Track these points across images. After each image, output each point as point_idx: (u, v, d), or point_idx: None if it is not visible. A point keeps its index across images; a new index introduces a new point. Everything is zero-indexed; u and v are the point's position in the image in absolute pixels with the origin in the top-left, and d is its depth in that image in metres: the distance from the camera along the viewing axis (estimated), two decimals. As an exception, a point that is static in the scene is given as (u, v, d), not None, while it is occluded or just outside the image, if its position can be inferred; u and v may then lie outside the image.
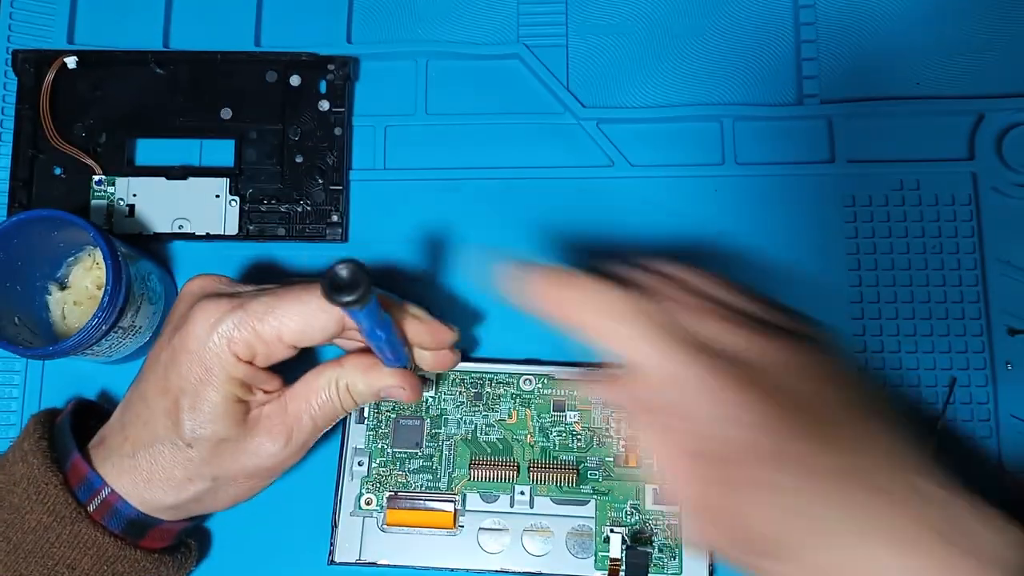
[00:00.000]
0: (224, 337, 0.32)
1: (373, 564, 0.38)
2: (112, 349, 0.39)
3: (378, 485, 0.39)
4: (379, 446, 0.39)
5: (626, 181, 0.43)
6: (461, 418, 0.39)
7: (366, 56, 0.45)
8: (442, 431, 0.39)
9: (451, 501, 0.38)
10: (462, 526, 0.38)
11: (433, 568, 0.38)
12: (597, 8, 0.45)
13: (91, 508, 0.33)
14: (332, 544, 0.38)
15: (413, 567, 0.38)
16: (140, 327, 0.39)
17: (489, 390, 0.39)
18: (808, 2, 0.45)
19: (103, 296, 0.35)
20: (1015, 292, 0.42)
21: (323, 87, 0.43)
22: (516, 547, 0.38)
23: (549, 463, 0.39)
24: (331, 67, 0.43)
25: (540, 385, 0.40)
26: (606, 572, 0.37)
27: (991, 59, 0.44)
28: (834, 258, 0.42)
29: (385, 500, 0.38)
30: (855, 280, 0.42)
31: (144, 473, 0.33)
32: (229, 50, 0.44)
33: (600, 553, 0.38)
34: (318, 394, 0.34)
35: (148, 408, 0.33)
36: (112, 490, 0.33)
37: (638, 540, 0.38)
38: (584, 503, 0.38)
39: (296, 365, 0.35)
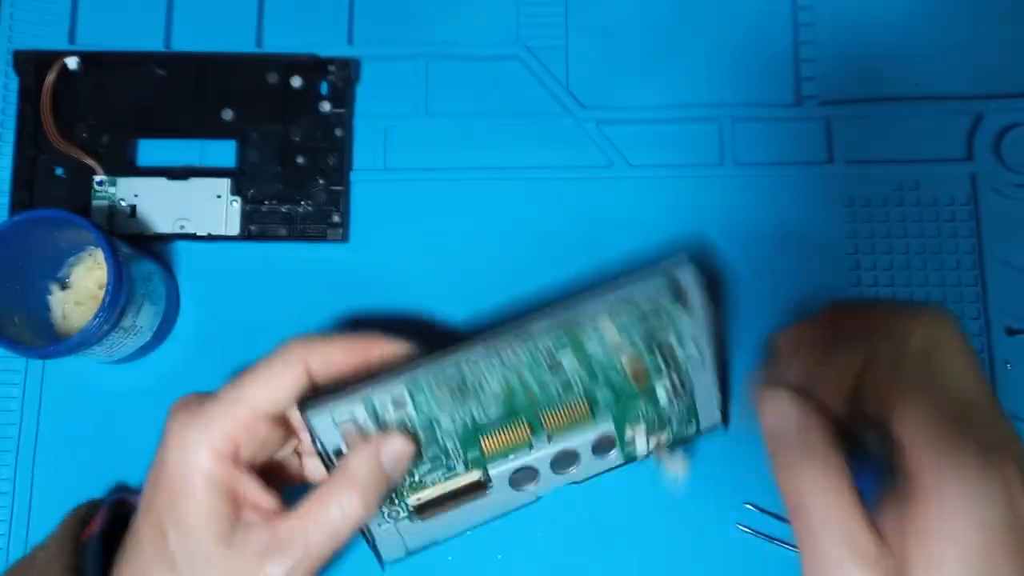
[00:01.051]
0: (200, 435, 0.30)
1: (423, 549, 0.37)
2: (113, 349, 0.39)
3: (393, 496, 0.36)
4: None
5: (626, 181, 0.43)
6: (452, 415, 0.34)
7: (367, 57, 0.45)
8: (439, 431, 0.35)
9: (475, 474, 0.36)
10: (492, 486, 0.36)
11: (479, 525, 0.37)
12: (597, 9, 0.46)
13: None
14: (376, 552, 0.36)
15: (460, 533, 0.37)
16: (141, 327, 0.39)
17: (470, 376, 0.34)
18: (807, 2, 0.45)
19: (104, 296, 0.36)
20: (1014, 292, 0.42)
21: (324, 88, 0.44)
22: (547, 477, 0.37)
23: (559, 408, 0.35)
24: (332, 68, 0.43)
25: (527, 356, 0.34)
26: (633, 458, 0.37)
27: (991, 59, 0.44)
28: (834, 259, 0.43)
29: (411, 508, 0.36)
30: (855, 280, 0.42)
31: None
32: (230, 51, 0.44)
33: (626, 448, 0.37)
34: (322, 513, 0.31)
35: (137, 536, 0.31)
36: None
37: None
38: (602, 420, 0.37)
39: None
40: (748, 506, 0.40)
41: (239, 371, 0.32)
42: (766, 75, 0.45)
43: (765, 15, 0.45)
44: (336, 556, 0.31)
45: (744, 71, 0.45)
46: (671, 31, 0.45)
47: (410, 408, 0.33)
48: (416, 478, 0.35)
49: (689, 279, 0.34)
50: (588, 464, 0.38)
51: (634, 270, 0.34)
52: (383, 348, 0.34)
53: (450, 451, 0.35)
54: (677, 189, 0.43)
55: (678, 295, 0.34)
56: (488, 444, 0.35)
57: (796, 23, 0.45)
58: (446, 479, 0.36)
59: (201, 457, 0.30)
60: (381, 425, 0.33)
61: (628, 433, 0.37)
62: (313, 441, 0.32)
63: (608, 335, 0.34)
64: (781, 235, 0.43)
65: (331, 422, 0.32)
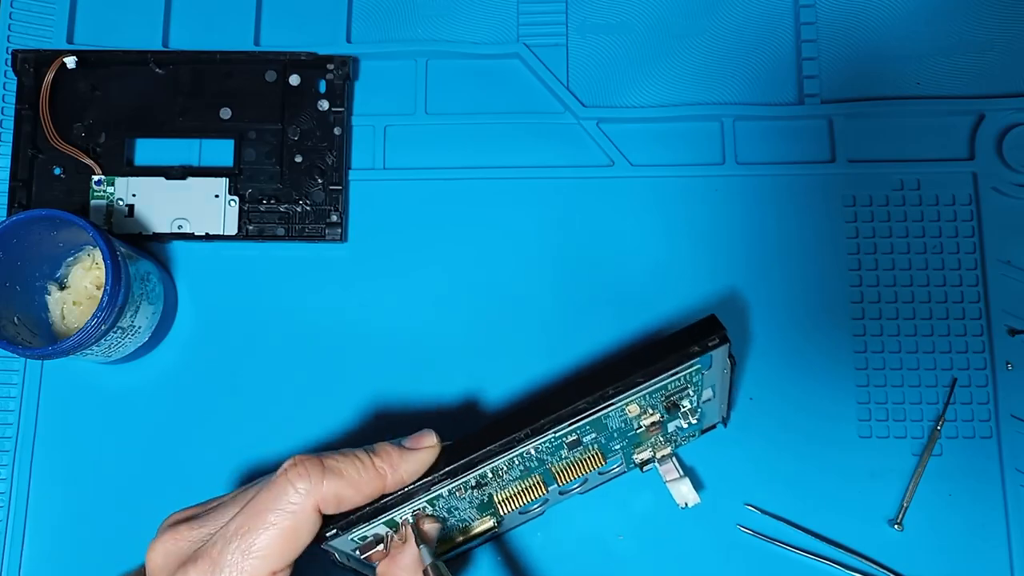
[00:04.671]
0: None
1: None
2: (111, 349, 0.38)
3: None
4: None
5: (626, 181, 0.43)
6: (471, 501, 0.34)
7: (366, 55, 0.45)
8: (457, 512, 0.35)
9: (489, 522, 0.37)
10: (501, 519, 0.37)
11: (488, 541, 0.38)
12: (597, 7, 0.45)
13: None
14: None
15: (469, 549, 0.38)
16: (139, 327, 0.39)
17: (491, 476, 0.33)
18: (808, 2, 0.45)
19: (103, 296, 0.35)
20: (1015, 292, 0.42)
21: (322, 87, 0.43)
22: (555, 499, 0.38)
23: (574, 467, 0.35)
24: (330, 67, 0.43)
25: (547, 446, 0.33)
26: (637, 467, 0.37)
27: (991, 59, 0.44)
28: (834, 258, 0.42)
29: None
30: (855, 280, 0.42)
31: None
32: (228, 50, 0.44)
33: (632, 465, 0.38)
34: None
35: None
36: None
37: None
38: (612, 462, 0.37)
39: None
40: (749, 507, 0.40)
41: (243, 491, 0.31)
42: (768, 74, 0.45)
43: (767, 13, 0.45)
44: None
45: (745, 70, 0.45)
46: (672, 29, 0.45)
47: (428, 510, 0.33)
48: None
49: (722, 356, 0.33)
50: (594, 480, 0.38)
51: (665, 336, 0.33)
52: (398, 471, 0.31)
53: (467, 518, 0.36)
54: (678, 188, 0.43)
55: (706, 366, 0.33)
56: (503, 503, 0.35)
57: (798, 22, 0.45)
58: (462, 530, 0.36)
59: None
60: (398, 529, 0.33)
61: (636, 457, 0.38)
62: (333, 559, 0.33)
63: (631, 412, 0.34)
64: (782, 234, 0.43)
65: (351, 542, 0.32)
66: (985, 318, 0.41)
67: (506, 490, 0.35)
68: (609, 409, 0.32)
